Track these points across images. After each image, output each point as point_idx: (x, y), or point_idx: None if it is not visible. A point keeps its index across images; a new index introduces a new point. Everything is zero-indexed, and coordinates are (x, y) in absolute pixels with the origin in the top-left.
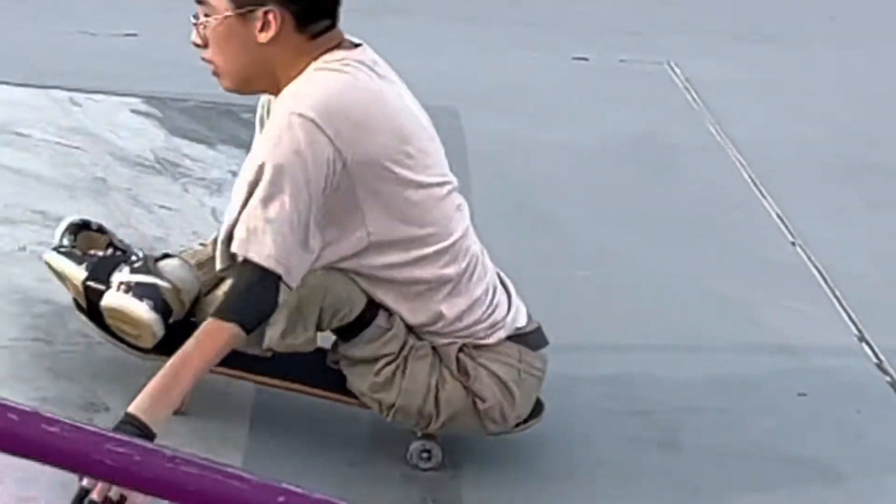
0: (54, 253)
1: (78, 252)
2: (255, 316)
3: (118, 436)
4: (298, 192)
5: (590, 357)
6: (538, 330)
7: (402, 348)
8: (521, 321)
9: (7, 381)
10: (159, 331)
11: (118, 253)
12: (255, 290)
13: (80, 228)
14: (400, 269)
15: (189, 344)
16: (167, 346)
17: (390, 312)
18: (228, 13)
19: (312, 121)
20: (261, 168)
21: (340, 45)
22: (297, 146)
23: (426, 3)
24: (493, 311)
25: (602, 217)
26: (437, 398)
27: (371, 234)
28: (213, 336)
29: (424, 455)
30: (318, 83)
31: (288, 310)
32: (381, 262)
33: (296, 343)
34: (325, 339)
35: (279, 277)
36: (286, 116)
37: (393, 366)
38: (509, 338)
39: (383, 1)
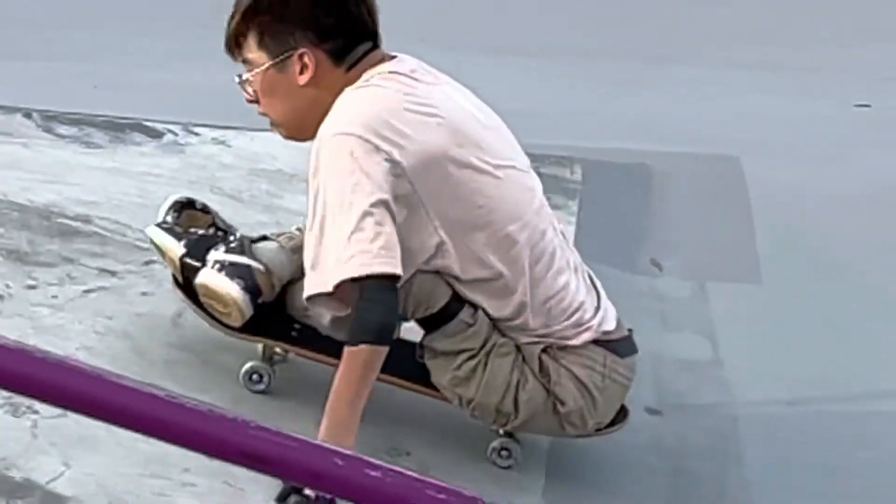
0: (156, 228)
1: (179, 229)
2: (384, 329)
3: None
4: (369, 197)
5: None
6: (627, 338)
7: (484, 344)
8: (610, 325)
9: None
10: (248, 311)
11: (219, 233)
12: (368, 304)
13: (185, 206)
14: (477, 261)
15: (337, 379)
16: (255, 326)
17: (475, 308)
18: (267, 64)
19: (354, 135)
20: (324, 196)
21: (380, 63)
22: (350, 162)
23: (707, 52)
24: (578, 309)
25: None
26: (516, 398)
27: (440, 231)
28: (351, 364)
29: (504, 453)
30: (348, 104)
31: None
32: (457, 258)
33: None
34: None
35: (387, 278)
36: (328, 140)
37: (474, 361)
38: (596, 342)
39: (666, 51)
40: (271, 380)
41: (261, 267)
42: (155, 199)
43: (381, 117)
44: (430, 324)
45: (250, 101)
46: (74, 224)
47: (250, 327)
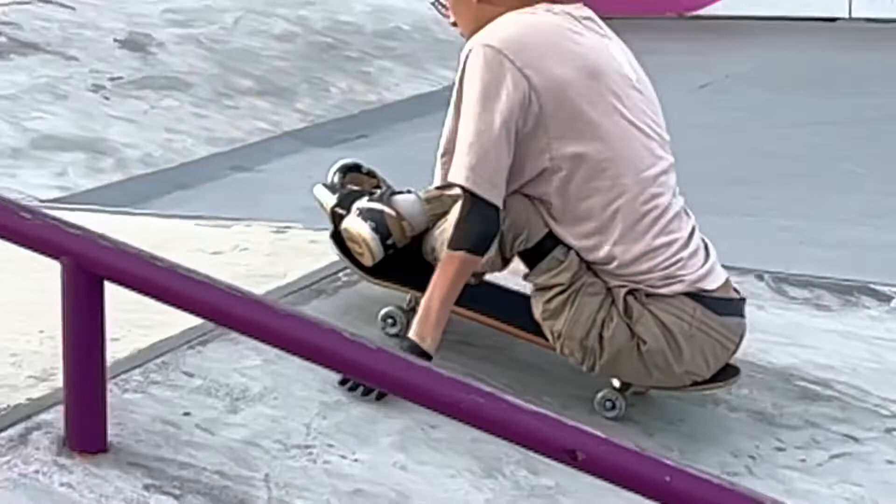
0: (320, 185)
1: (339, 186)
2: (478, 239)
3: None
4: (498, 115)
5: None
6: (733, 300)
7: (574, 282)
8: (711, 284)
9: None
10: (377, 249)
11: (375, 190)
12: (473, 217)
13: (350, 169)
14: (576, 199)
15: (434, 276)
16: (389, 272)
17: (568, 248)
18: None
19: (496, 49)
20: (460, 97)
21: (561, 1)
22: (489, 72)
23: None
24: (673, 265)
25: None
26: (601, 334)
27: (553, 159)
28: (447, 265)
29: (608, 404)
30: (507, 23)
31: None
32: (558, 190)
33: (483, 260)
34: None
35: (488, 202)
36: (475, 48)
37: (564, 296)
38: (689, 295)
39: None
40: (406, 325)
41: (392, 212)
42: (889, 364)
43: (532, 41)
44: (529, 259)
45: (444, 16)
46: (814, 387)
47: (385, 273)
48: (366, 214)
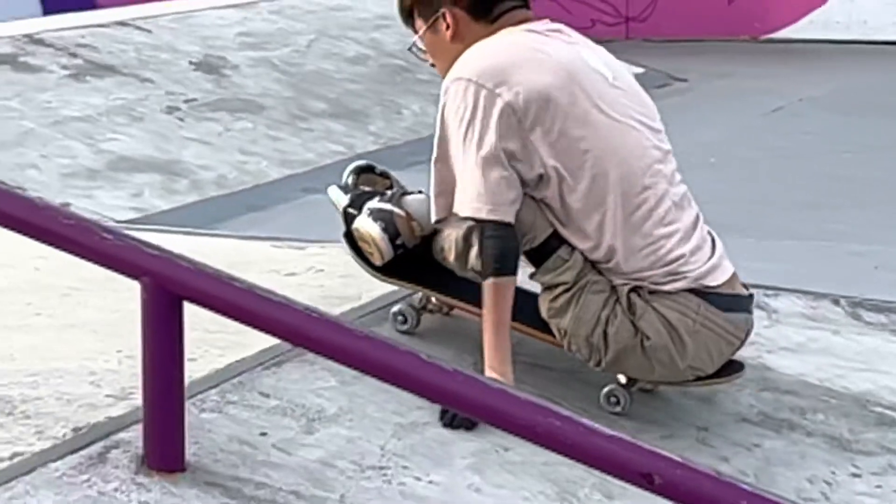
0: (334, 186)
1: (352, 187)
2: (503, 260)
3: None
4: (485, 140)
5: None
6: (739, 296)
7: (578, 280)
8: (715, 280)
9: None
10: (386, 249)
11: (388, 191)
12: (490, 242)
13: (364, 171)
14: (574, 200)
15: (483, 316)
16: (400, 271)
17: (572, 247)
18: (423, 29)
19: (466, 79)
20: (443, 136)
21: (522, 22)
22: (465, 102)
23: None
24: (676, 260)
25: None
26: (605, 332)
27: (545, 166)
28: (488, 296)
29: (612, 399)
30: (471, 52)
31: (479, 230)
32: (556, 193)
33: (481, 262)
34: None
35: (499, 222)
36: (448, 86)
37: (569, 294)
38: (693, 291)
39: None
40: (417, 323)
41: (401, 212)
42: None
43: (499, 62)
44: (535, 258)
45: (424, 60)
46: (891, 413)
47: (396, 271)
48: (376, 215)
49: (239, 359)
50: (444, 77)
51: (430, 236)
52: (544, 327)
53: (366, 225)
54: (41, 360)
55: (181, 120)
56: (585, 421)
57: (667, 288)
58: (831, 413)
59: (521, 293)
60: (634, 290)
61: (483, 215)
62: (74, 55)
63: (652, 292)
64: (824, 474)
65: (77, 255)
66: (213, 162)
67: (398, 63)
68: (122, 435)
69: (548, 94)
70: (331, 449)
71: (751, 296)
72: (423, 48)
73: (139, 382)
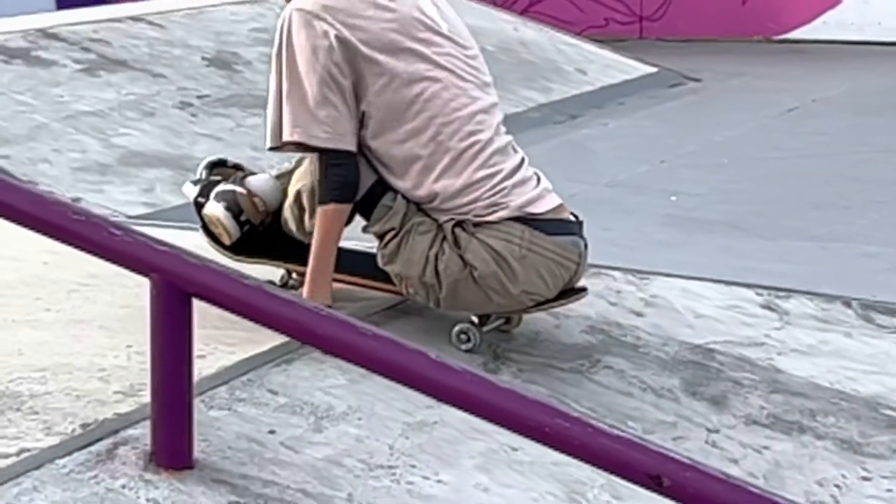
0: (188, 183)
1: (204, 180)
2: (341, 188)
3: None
4: (322, 69)
5: None
6: (565, 221)
7: (403, 224)
8: (538, 208)
9: None
10: (230, 226)
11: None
12: (330, 170)
13: (216, 165)
14: (394, 143)
15: (314, 232)
16: (252, 249)
17: (395, 192)
18: None
19: (307, 10)
20: (279, 65)
21: None
22: (305, 32)
23: None
24: (496, 194)
25: None
26: (436, 269)
27: (369, 104)
28: (320, 221)
29: (462, 337)
30: None
31: (306, 193)
32: (375, 135)
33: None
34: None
35: (342, 151)
36: (291, 14)
37: (397, 239)
38: (516, 219)
39: None
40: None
41: (242, 190)
42: None
43: (340, 1)
44: (363, 210)
45: None
46: None
47: (251, 250)
48: (219, 197)
49: (248, 356)
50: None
51: (279, 213)
52: (386, 279)
53: (210, 207)
54: (49, 355)
55: (193, 115)
56: (594, 422)
57: (490, 218)
58: (842, 416)
59: (362, 253)
60: (458, 224)
61: (323, 144)
62: (87, 50)
63: (476, 224)
64: (834, 477)
65: (86, 251)
66: (224, 157)
67: None
68: (130, 431)
69: (385, 36)
70: (339, 447)
71: (579, 222)
72: None
73: (148, 379)
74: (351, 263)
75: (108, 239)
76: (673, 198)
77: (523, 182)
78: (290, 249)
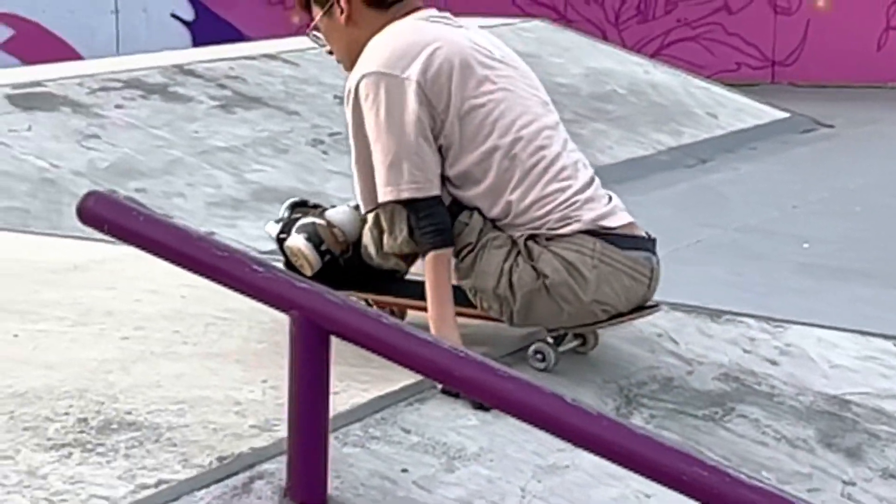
0: (271, 222)
1: (286, 219)
2: (434, 236)
3: None
4: (406, 125)
5: None
6: (638, 237)
7: (479, 238)
8: (612, 223)
9: None
10: (312, 256)
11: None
12: (427, 221)
13: (298, 205)
14: (470, 163)
15: (428, 285)
16: (332, 278)
17: (470, 210)
18: (320, 14)
19: (374, 72)
20: (359, 134)
21: (413, 11)
22: (378, 94)
23: None
24: (568, 207)
25: None
26: (510, 281)
27: (446, 136)
28: (427, 271)
29: (538, 356)
30: (367, 52)
31: (385, 216)
32: (454, 160)
33: (396, 243)
34: None
35: (427, 197)
36: (359, 84)
37: (473, 254)
38: (589, 232)
39: None
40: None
41: (322, 222)
42: None
43: (396, 50)
44: None
45: (328, 52)
46: None
47: (333, 281)
48: (299, 229)
49: (382, 394)
50: (341, 60)
51: (360, 244)
52: (466, 303)
53: (292, 240)
54: (187, 388)
55: (325, 153)
56: (731, 470)
57: (562, 231)
58: None
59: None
60: (532, 237)
61: (409, 195)
62: (223, 86)
63: (549, 238)
64: None
65: (229, 286)
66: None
67: None
68: (265, 466)
69: (449, 67)
70: (471, 488)
71: (652, 239)
72: (320, 35)
73: (283, 414)
74: (419, 292)
75: (251, 275)
76: (805, 244)
77: (595, 198)
78: (370, 280)
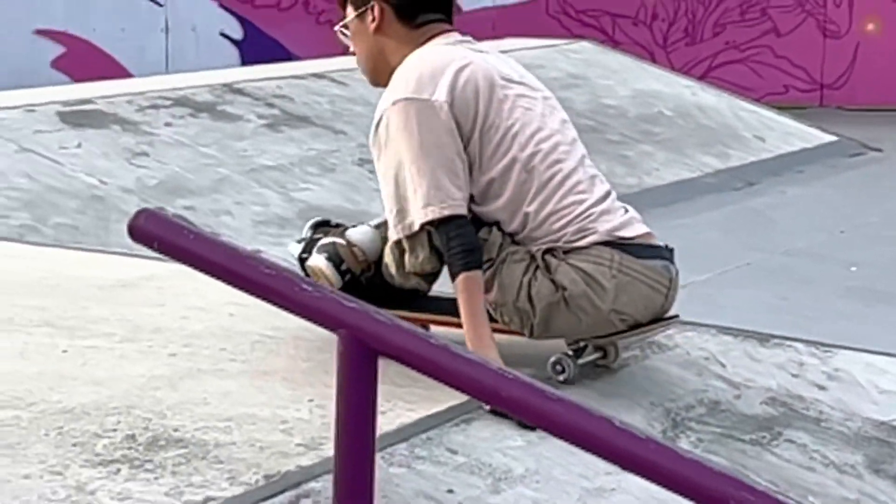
0: (292, 242)
1: (307, 239)
2: (470, 255)
3: None
4: (438, 147)
5: None
6: (655, 247)
7: (499, 253)
8: (629, 233)
9: None
10: (332, 275)
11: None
12: (456, 241)
13: (321, 224)
14: (490, 180)
15: (461, 305)
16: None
17: (490, 225)
18: (352, 15)
19: (403, 98)
20: (390, 156)
21: (440, 34)
22: (409, 120)
23: None
24: (585, 219)
25: None
26: (529, 294)
27: (469, 154)
28: (459, 292)
29: (558, 367)
30: (396, 78)
31: (409, 233)
32: (476, 177)
33: (418, 262)
34: None
35: (458, 217)
36: (388, 112)
37: (493, 268)
38: (606, 244)
39: None
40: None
41: (342, 241)
42: None
43: (423, 74)
44: None
45: (348, 51)
46: None
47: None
48: (320, 249)
49: (428, 414)
50: (361, 68)
51: (381, 263)
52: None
53: (313, 260)
54: (234, 405)
55: (371, 172)
56: (779, 495)
57: (579, 244)
58: None
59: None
60: (549, 251)
61: (439, 215)
62: (271, 105)
63: (567, 251)
64: None
65: (277, 305)
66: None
67: (587, 123)
68: (312, 485)
69: (474, 87)
70: None
71: (670, 249)
72: (348, 34)
73: (329, 432)
74: (440, 307)
75: (299, 294)
76: (853, 268)
77: (611, 210)
78: (391, 299)
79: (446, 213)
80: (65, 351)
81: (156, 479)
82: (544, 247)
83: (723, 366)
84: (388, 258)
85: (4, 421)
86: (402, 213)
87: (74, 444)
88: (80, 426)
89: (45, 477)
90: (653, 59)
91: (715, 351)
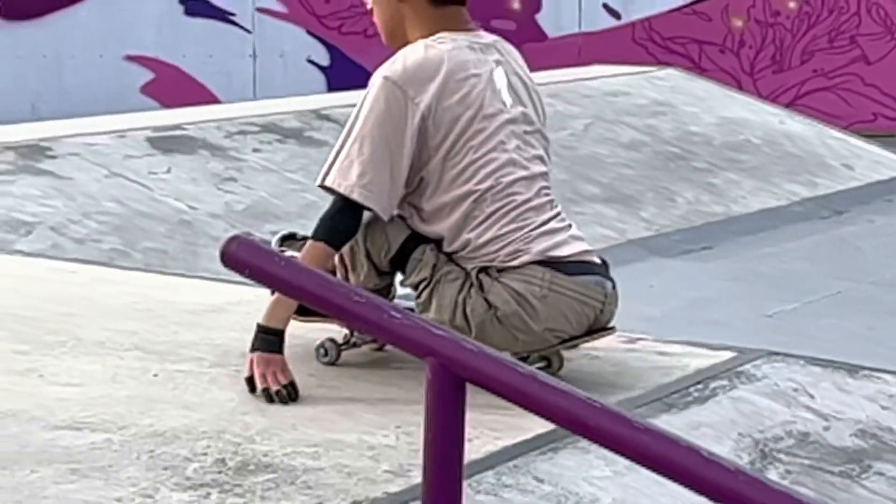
0: None
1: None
2: (338, 236)
3: None
4: (382, 136)
5: None
6: (588, 263)
7: (433, 273)
8: (561, 252)
9: None
10: None
11: None
12: (338, 216)
13: (287, 238)
14: (443, 201)
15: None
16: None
17: (424, 245)
18: None
19: (393, 80)
20: (356, 117)
21: (460, 27)
22: (384, 101)
23: None
24: (520, 241)
25: None
26: (465, 312)
27: (429, 172)
28: (308, 252)
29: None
30: (403, 54)
31: (346, 253)
32: (431, 195)
33: (360, 281)
34: None
35: (361, 205)
36: (378, 78)
37: (429, 288)
38: (538, 263)
39: None
40: (337, 356)
41: (299, 255)
42: None
43: (424, 74)
44: (397, 265)
45: (367, 12)
46: None
47: (314, 311)
48: None
49: (514, 442)
50: (381, 31)
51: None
52: None
53: None
54: (321, 431)
55: None
56: None
57: (512, 264)
58: None
59: None
60: (483, 270)
61: (347, 194)
62: None
63: (500, 270)
64: None
65: (366, 332)
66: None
67: (673, 150)
68: None
69: (455, 115)
70: None
71: (605, 264)
72: None
73: (417, 459)
74: None
75: (389, 322)
76: None
77: (551, 231)
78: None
79: (354, 197)
80: (155, 375)
81: (246, 503)
82: (479, 266)
83: (812, 397)
84: (339, 274)
85: (96, 444)
86: (332, 165)
87: (165, 468)
88: (171, 450)
89: (136, 500)
90: (739, 87)
91: (804, 382)
